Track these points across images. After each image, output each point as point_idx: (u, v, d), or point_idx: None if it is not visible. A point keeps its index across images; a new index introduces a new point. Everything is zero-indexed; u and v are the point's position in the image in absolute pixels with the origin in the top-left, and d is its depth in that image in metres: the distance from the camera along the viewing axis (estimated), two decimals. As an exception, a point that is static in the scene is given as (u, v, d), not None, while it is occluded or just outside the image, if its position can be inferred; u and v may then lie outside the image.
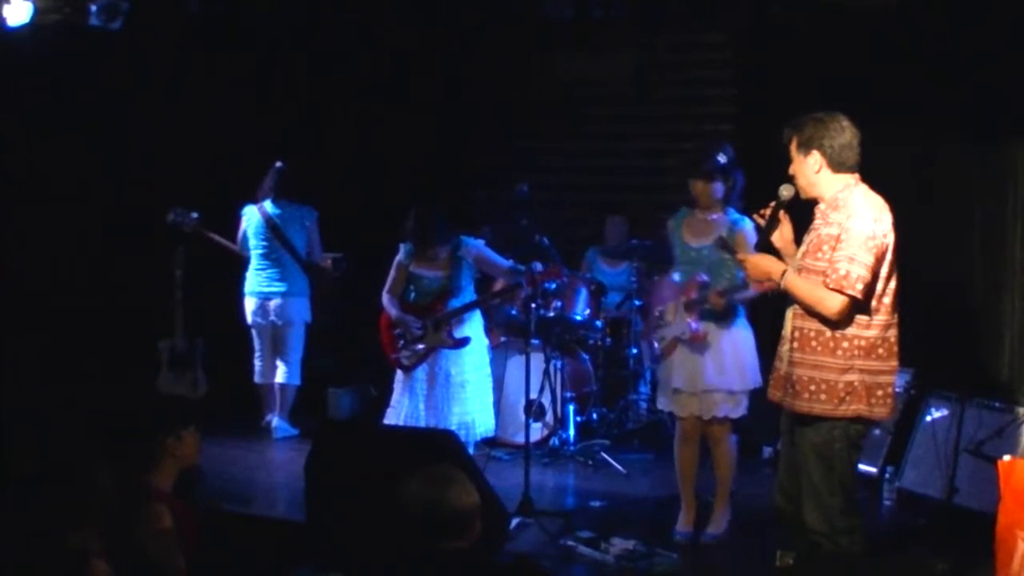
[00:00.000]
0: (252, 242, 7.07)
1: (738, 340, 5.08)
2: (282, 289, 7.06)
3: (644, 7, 7.31)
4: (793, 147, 4.00)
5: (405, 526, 3.12)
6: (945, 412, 5.94)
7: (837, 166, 3.95)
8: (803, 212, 4.17)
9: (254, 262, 7.08)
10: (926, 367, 6.12)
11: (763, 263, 4.08)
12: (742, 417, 5.17)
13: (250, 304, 7.09)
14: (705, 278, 5.01)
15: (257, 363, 7.19)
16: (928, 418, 6.02)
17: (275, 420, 7.19)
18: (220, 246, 7.11)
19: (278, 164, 7.10)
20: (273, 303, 7.07)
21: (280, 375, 7.19)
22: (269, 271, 7.06)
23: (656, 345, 5.33)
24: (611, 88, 8.06)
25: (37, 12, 6.59)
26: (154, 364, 7.34)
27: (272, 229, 7.03)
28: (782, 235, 4.15)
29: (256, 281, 7.08)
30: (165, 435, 3.78)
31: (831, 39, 6.58)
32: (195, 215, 6.98)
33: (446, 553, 3.09)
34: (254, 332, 7.13)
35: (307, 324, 7.23)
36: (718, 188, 5.06)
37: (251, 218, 7.08)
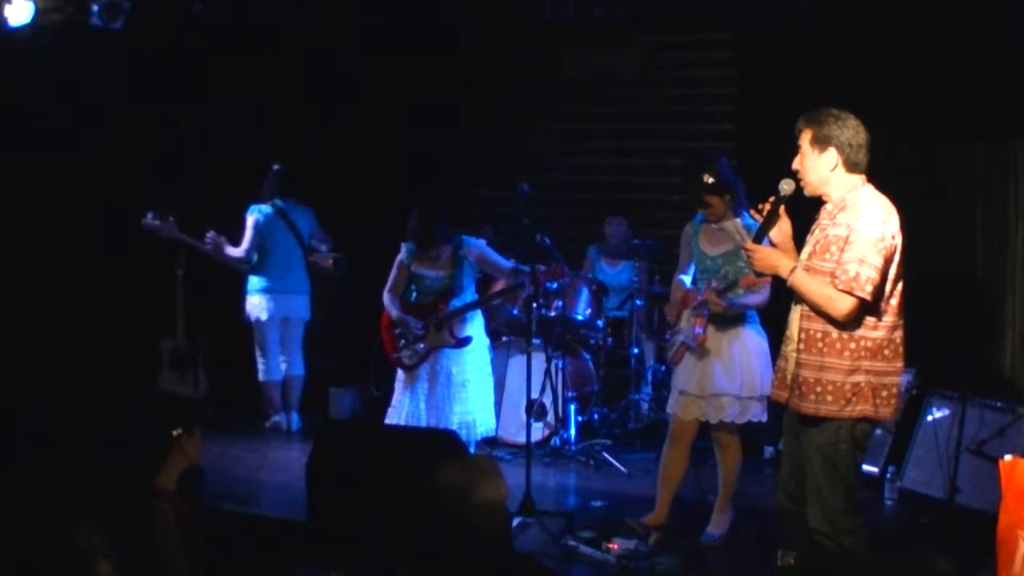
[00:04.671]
0: (265, 238, 7.04)
1: (749, 346, 5.06)
2: (291, 287, 7.10)
3: (645, 7, 7.31)
4: (807, 141, 3.95)
5: (434, 515, 3.09)
6: (946, 412, 5.94)
7: (851, 166, 3.93)
8: (802, 210, 4.17)
9: (265, 259, 7.07)
10: (927, 367, 6.12)
11: (771, 256, 4.03)
12: (758, 423, 5.16)
13: (259, 301, 7.08)
14: (717, 286, 5.00)
15: (263, 361, 7.18)
16: (929, 418, 6.03)
17: (292, 416, 7.26)
18: (197, 250, 7.04)
19: (276, 167, 7.11)
20: (282, 300, 7.08)
21: (288, 368, 7.24)
22: (279, 269, 7.06)
23: (669, 352, 5.33)
24: (612, 87, 8.06)
25: (39, 12, 6.61)
26: (156, 364, 7.36)
27: (288, 226, 7.06)
28: (780, 230, 4.11)
29: (267, 279, 7.07)
30: (179, 432, 3.79)
31: (832, 38, 6.58)
32: (172, 219, 6.94)
33: (467, 547, 3.06)
34: (262, 329, 7.12)
35: (306, 322, 7.25)
36: (718, 206, 5.05)
37: (264, 216, 7.06)
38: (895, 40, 6.38)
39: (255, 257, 7.08)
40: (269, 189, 7.10)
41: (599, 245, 7.70)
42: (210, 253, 7.03)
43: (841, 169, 3.94)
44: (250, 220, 7.06)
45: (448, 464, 3.17)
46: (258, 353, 7.18)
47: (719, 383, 5.04)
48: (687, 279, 5.26)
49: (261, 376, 7.21)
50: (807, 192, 4.03)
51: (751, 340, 5.07)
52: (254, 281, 7.11)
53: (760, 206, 4.10)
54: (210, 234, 6.98)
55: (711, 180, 4.99)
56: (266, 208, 7.07)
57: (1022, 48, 5.94)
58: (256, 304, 7.09)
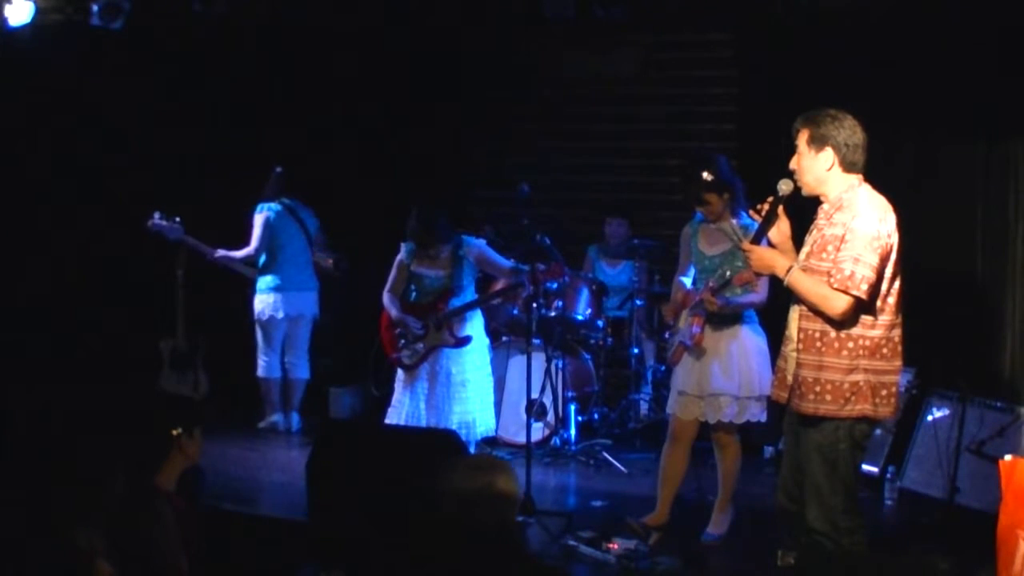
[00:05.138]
0: (275, 235, 7.03)
1: (747, 346, 5.05)
2: (301, 284, 7.11)
3: (645, 6, 7.31)
4: (804, 141, 3.96)
5: (447, 513, 3.08)
6: (946, 412, 5.94)
7: (848, 166, 3.94)
8: (802, 210, 4.17)
9: (276, 257, 7.05)
10: (927, 366, 6.12)
11: (767, 256, 4.06)
12: (757, 423, 5.15)
13: (272, 299, 7.05)
14: (713, 285, 5.00)
15: (265, 358, 7.15)
16: (929, 418, 6.03)
17: (292, 416, 7.26)
18: (201, 254, 7.06)
19: (278, 169, 7.11)
20: (292, 297, 7.07)
21: (294, 371, 7.25)
22: (290, 267, 7.06)
23: (668, 353, 5.33)
24: (612, 87, 8.06)
25: (39, 12, 6.61)
26: (156, 364, 7.36)
27: (298, 222, 7.08)
28: (779, 231, 4.13)
29: (279, 277, 7.05)
30: (179, 432, 3.80)
31: (833, 38, 6.57)
32: (178, 220, 6.95)
33: (479, 544, 3.06)
34: (268, 327, 7.09)
35: (315, 320, 7.25)
36: (717, 205, 5.06)
37: (275, 214, 7.05)
38: (895, 40, 6.37)
39: (264, 257, 7.06)
40: (274, 188, 7.10)
41: (599, 245, 7.70)
42: (216, 261, 7.05)
43: (838, 169, 3.95)
44: (259, 218, 7.04)
45: (465, 461, 3.18)
46: (261, 349, 7.14)
47: (717, 383, 5.04)
48: (687, 280, 5.26)
49: (261, 372, 7.18)
50: (804, 192, 4.04)
51: (749, 340, 5.07)
52: (266, 279, 7.07)
53: (759, 206, 4.12)
54: (219, 253, 7.02)
55: (710, 178, 5.00)
56: (275, 206, 7.07)
57: (1022, 48, 5.93)
58: (269, 303, 7.06)
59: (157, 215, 6.94)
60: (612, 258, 7.60)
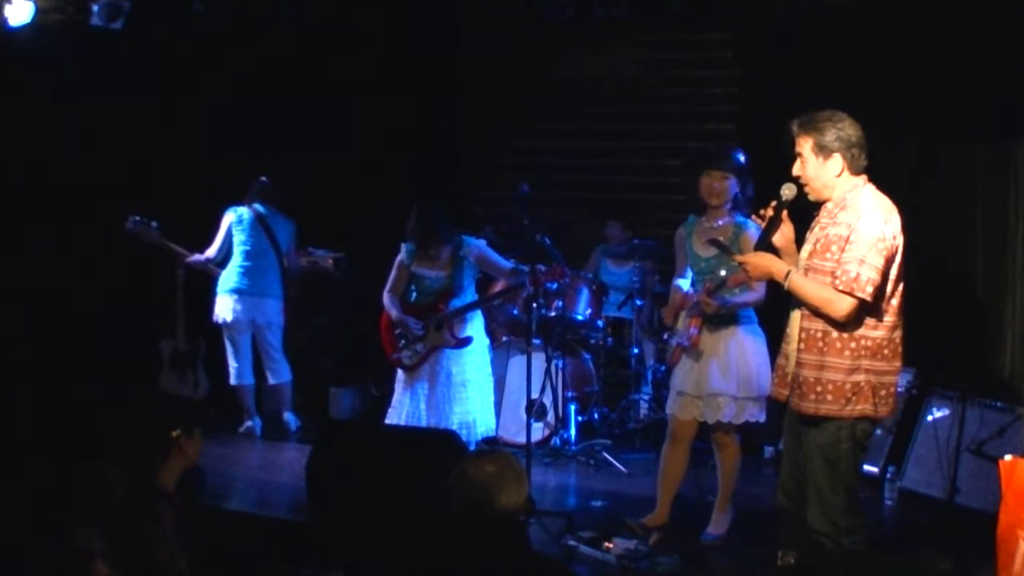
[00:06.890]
0: (238, 238, 6.99)
1: (746, 346, 5.04)
2: (261, 290, 7.00)
3: (645, 6, 7.31)
4: (809, 149, 3.95)
5: (454, 509, 3.08)
6: (946, 412, 5.94)
7: (855, 169, 3.95)
8: (801, 211, 4.17)
9: (237, 259, 7.00)
10: (927, 366, 6.12)
11: (763, 263, 4.05)
12: (756, 423, 5.15)
13: (227, 302, 6.96)
14: (709, 286, 4.99)
15: (234, 365, 7.07)
16: (929, 418, 6.03)
17: (289, 415, 7.24)
18: (179, 256, 7.04)
19: (263, 179, 7.10)
20: (250, 303, 6.97)
21: (273, 376, 7.19)
22: (250, 270, 6.98)
23: (667, 354, 5.33)
24: (612, 87, 8.06)
25: (39, 12, 6.61)
26: (156, 364, 7.35)
27: (265, 229, 7.02)
28: (784, 235, 4.13)
29: (237, 279, 6.97)
30: (179, 432, 3.80)
31: (833, 38, 6.58)
32: (155, 224, 6.94)
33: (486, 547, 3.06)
34: (232, 332, 7.01)
35: (282, 328, 7.19)
36: (732, 185, 5.01)
37: (241, 216, 7.03)
38: (896, 40, 6.37)
39: (229, 257, 7.02)
40: (251, 194, 7.09)
41: (604, 245, 7.67)
42: (190, 264, 7.05)
43: (847, 172, 3.95)
44: (224, 221, 7.03)
45: (474, 458, 3.18)
46: (229, 357, 7.06)
47: (715, 383, 5.03)
48: (685, 283, 5.25)
49: (232, 380, 7.10)
50: (812, 197, 4.04)
51: (748, 340, 5.06)
52: (223, 281, 7.00)
53: (762, 211, 4.11)
54: (192, 257, 7.03)
55: (742, 158, 5.02)
56: (242, 210, 7.04)
57: (1022, 48, 5.93)
58: (224, 305, 6.97)
59: (135, 218, 6.94)
60: (617, 259, 7.58)
